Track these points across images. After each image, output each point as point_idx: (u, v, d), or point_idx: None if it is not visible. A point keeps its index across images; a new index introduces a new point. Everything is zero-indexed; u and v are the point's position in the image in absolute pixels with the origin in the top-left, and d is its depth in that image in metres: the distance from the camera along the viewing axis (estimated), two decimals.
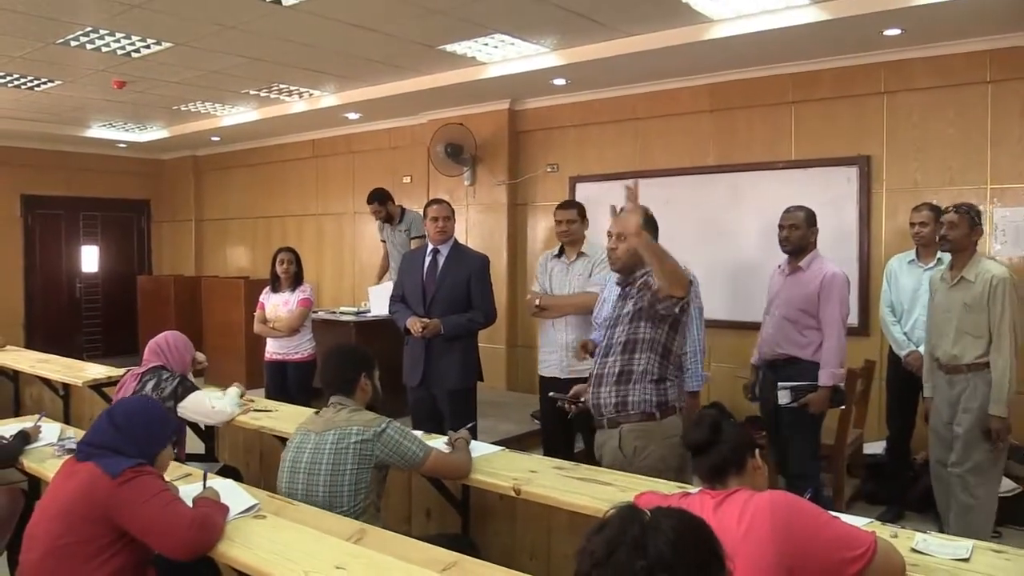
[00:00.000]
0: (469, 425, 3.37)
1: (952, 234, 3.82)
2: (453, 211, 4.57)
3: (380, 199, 6.62)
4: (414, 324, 4.34)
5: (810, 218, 4.11)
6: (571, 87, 6.65)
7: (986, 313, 3.74)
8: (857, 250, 5.50)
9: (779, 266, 4.29)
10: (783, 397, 4.00)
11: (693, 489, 2.38)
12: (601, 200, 5.64)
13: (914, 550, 2.18)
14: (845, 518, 2.21)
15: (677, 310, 3.03)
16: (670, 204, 5.60)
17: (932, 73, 5.23)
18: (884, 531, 2.31)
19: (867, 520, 2.44)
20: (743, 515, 1.98)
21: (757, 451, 2.21)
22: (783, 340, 4.13)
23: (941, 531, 3.31)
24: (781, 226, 4.14)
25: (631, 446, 3.14)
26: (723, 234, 6.04)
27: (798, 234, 4.08)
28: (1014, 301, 3.71)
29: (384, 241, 6.91)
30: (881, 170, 5.47)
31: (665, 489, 2.61)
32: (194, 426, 4.26)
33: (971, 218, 3.80)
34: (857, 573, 1.95)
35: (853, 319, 5.46)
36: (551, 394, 3.73)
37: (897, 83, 5.37)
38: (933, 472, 4.06)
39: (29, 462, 3.34)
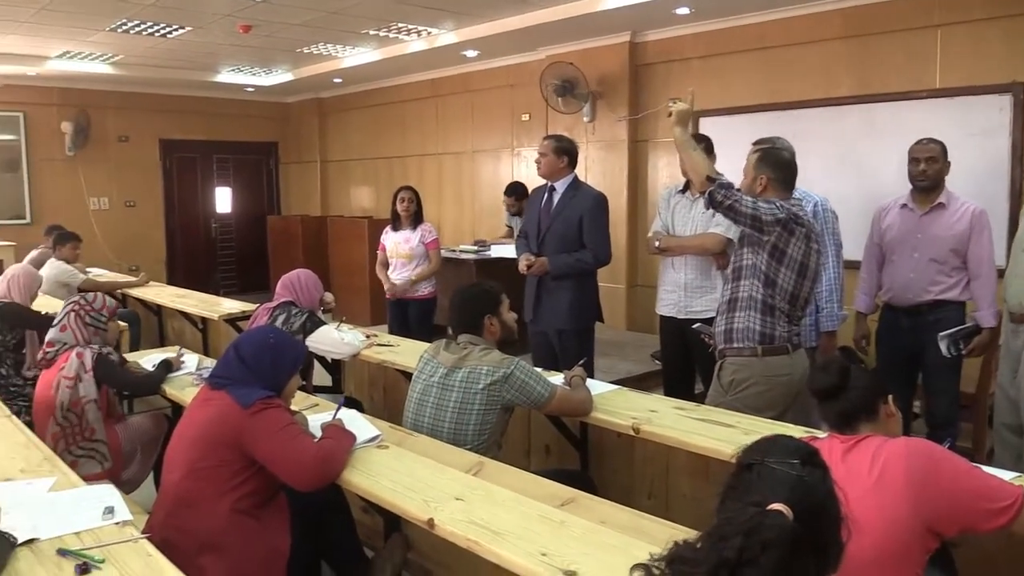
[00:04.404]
0: (582, 361, 3.34)
1: None
2: (558, 147, 4.36)
3: (519, 194, 6.77)
4: (521, 261, 4.33)
5: (945, 150, 3.83)
6: (695, 16, 6.36)
7: None
8: (1008, 186, 5.07)
9: (903, 204, 4.00)
10: (950, 349, 3.71)
11: (821, 434, 2.29)
12: (726, 134, 5.46)
13: None
14: (989, 471, 2.07)
15: (757, 230, 2.97)
16: (799, 138, 5.27)
17: None
18: None
19: (1015, 474, 2.28)
20: (875, 462, 1.89)
21: (890, 397, 2.09)
22: (929, 283, 3.85)
23: None
24: (916, 159, 3.86)
25: (728, 379, 3.11)
26: (857, 169, 5.71)
27: (936, 167, 3.81)
28: None
29: (509, 226, 7.06)
30: None
31: (792, 433, 2.51)
32: (321, 360, 4.42)
33: None
34: (1001, 527, 1.83)
35: (1000, 260, 5.10)
36: (695, 326, 3.68)
37: None
38: (996, 436, 3.67)
39: (171, 389, 3.56)
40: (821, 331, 3.88)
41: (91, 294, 3.73)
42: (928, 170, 3.82)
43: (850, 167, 5.72)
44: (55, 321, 3.59)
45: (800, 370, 3.08)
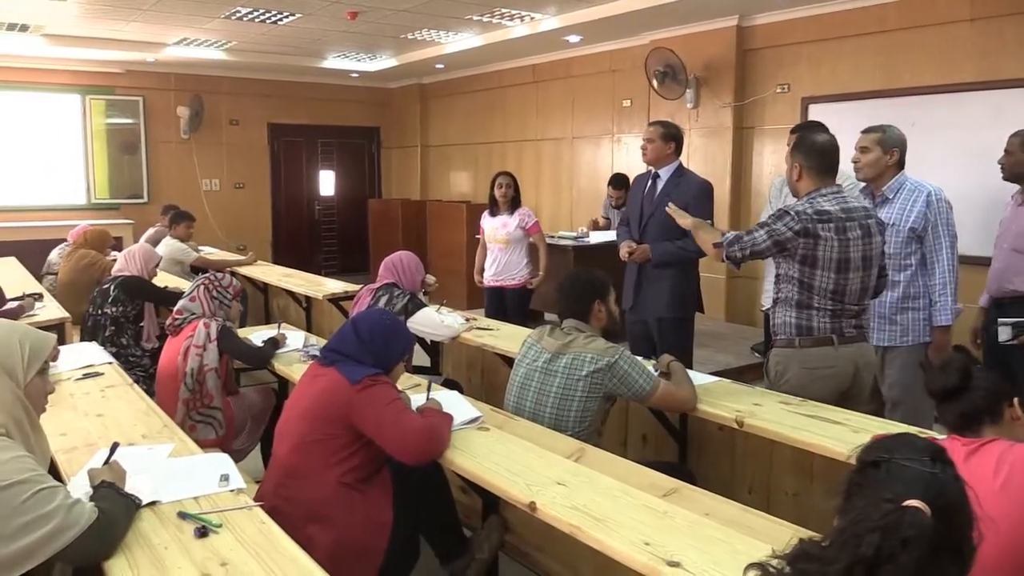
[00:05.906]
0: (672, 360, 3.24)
1: None
2: (666, 133, 4.28)
3: (628, 185, 6.64)
4: (623, 248, 4.29)
5: None
6: None
7: None
8: None
9: (1012, 196, 3.91)
10: (1003, 333, 3.61)
11: (939, 435, 2.19)
12: (837, 122, 5.27)
13: None
14: None
15: (786, 250, 2.98)
16: (917, 126, 5.09)
17: None
18: None
19: None
20: (1000, 465, 1.80)
21: (1016, 400, 1.98)
22: (1012, 275, 3.75)
23: None
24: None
25: (772, 371, 3.16)
26: (979, 161, 5.39)
27: (1011, 160, 3.79)
28: None
29: (607, 218, 7.02)
30: None
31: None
32: (420, 341, 4.48)
33: None
34: None
35: None
36: None
37: None
38: None
39: (279, 365, 3.69)
40: (933, 325, 3.71)
41: (221, 273, 3.94)
42: (1004, 162, 3.83)
43: (972, 158, 5.42)
44: (187, 292, 3.81)
45: (849, 364, 3.03)
